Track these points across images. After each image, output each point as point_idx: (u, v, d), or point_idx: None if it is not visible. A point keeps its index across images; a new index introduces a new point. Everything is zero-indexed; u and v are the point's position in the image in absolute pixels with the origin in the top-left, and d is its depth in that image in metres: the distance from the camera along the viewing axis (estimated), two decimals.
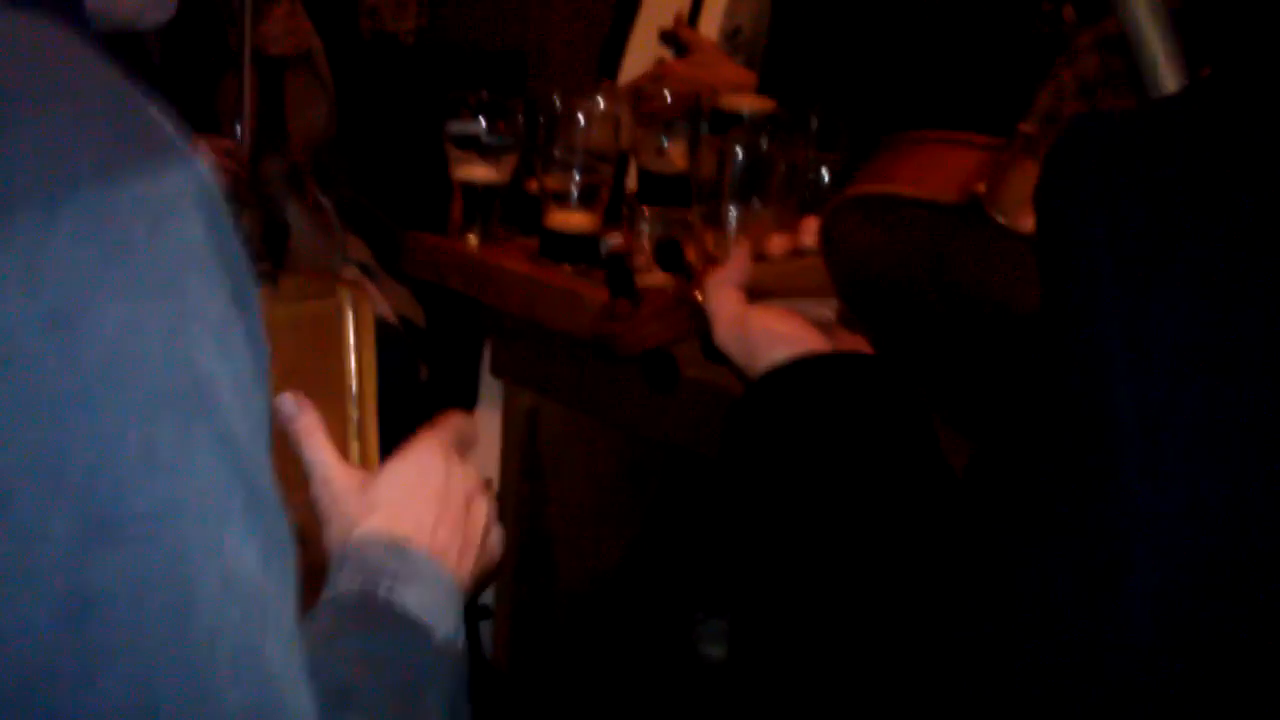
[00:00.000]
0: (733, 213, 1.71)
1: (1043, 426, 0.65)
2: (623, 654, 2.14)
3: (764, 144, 1.69)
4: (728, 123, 1.98)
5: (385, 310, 2.12)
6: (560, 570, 2.05)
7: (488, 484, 0.90)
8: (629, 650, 2.15)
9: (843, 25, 2.35)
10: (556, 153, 1.83)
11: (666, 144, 2.05)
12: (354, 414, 0.96)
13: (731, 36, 2.43)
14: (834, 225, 0.95)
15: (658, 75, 2.34)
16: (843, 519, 0.85)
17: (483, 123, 1.85)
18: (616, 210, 1.92)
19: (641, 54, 2.46)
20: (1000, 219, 0.81)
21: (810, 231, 1.04)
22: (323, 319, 0.94)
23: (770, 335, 0.95)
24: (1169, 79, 0.80)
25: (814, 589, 0.85)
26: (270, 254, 1.93)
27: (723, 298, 0.99)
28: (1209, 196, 0.58)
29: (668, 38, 2.40)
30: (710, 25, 2.43)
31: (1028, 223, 0.78)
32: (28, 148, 0.47)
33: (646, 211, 1.93)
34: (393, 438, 0.85)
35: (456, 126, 1.85)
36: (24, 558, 0.44)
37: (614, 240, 1.82)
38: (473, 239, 1.83)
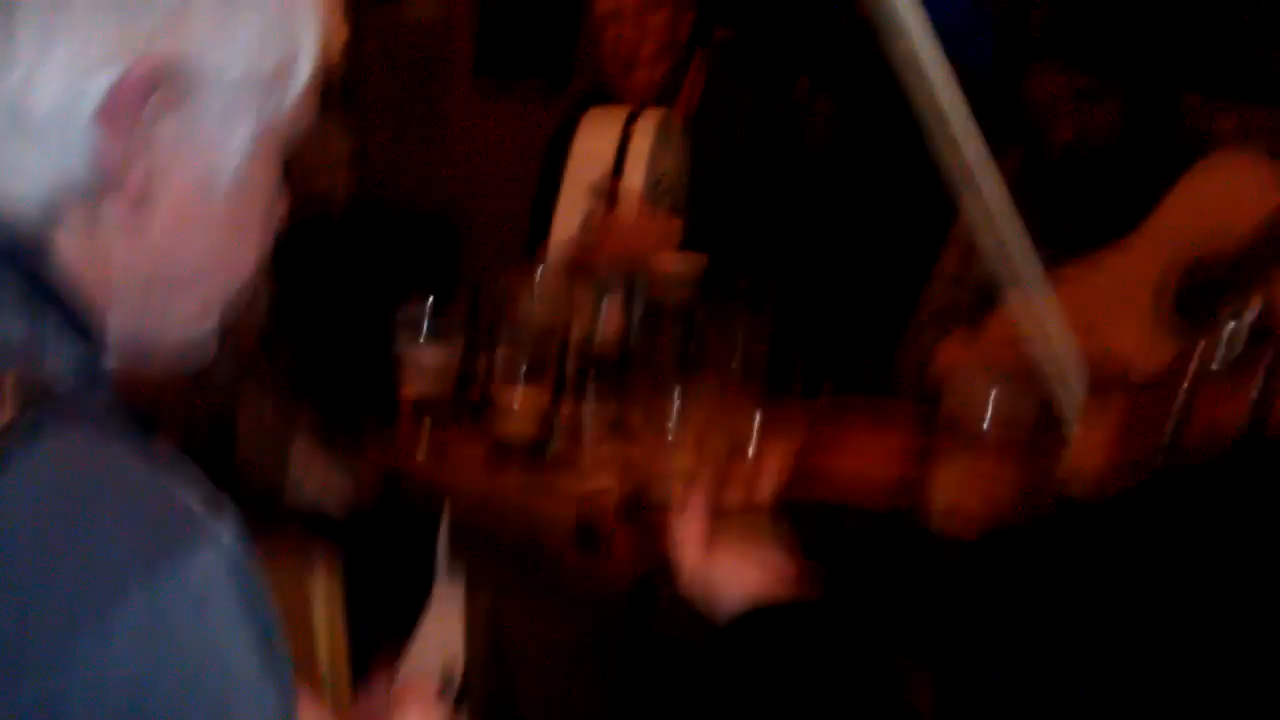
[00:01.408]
0: (676, 396, 1.73)
1: None
2: None
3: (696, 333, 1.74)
4: (662, 288, 2.04)
5: (332, 492, 2.13)
6: None
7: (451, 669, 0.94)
8: None
9: (757, 174, 2.43)
10: (499, 340, 1.87)
11: (602, 319, 2.09)
12: (327, 684, 0.99)
13: (655, 184, 2.48)
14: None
15: (590, 231, 2.40)
16: None
17: (427, 308, 1.89)
18: (561, 388, 1.96)
19: (571, 209, 2.51)
20: (939, 508, 0.85)
21: (762, 480, 1.10)
22: (294, 588, 0.97)
23: (732, 581, 1.00)
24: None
25: None
26: (216, 462, 1.94)
27: (685, 546, 1.04)
28: None
29: (596, 192, 2.45)
30: (635, 177, 2.48)
31: (967, 501, 0.83)
32: (74, 561, 0.54)
33: (590, 391, 1.97)
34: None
35: (402, 313, 1.88)
36: None
37: (559, 443, 1.85)
38: (422, 449, 1.85)
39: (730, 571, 1.01)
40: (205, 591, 0.56)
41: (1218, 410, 0.66)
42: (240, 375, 2.15)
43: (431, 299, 1.87)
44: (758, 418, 1.68)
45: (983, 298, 2.17)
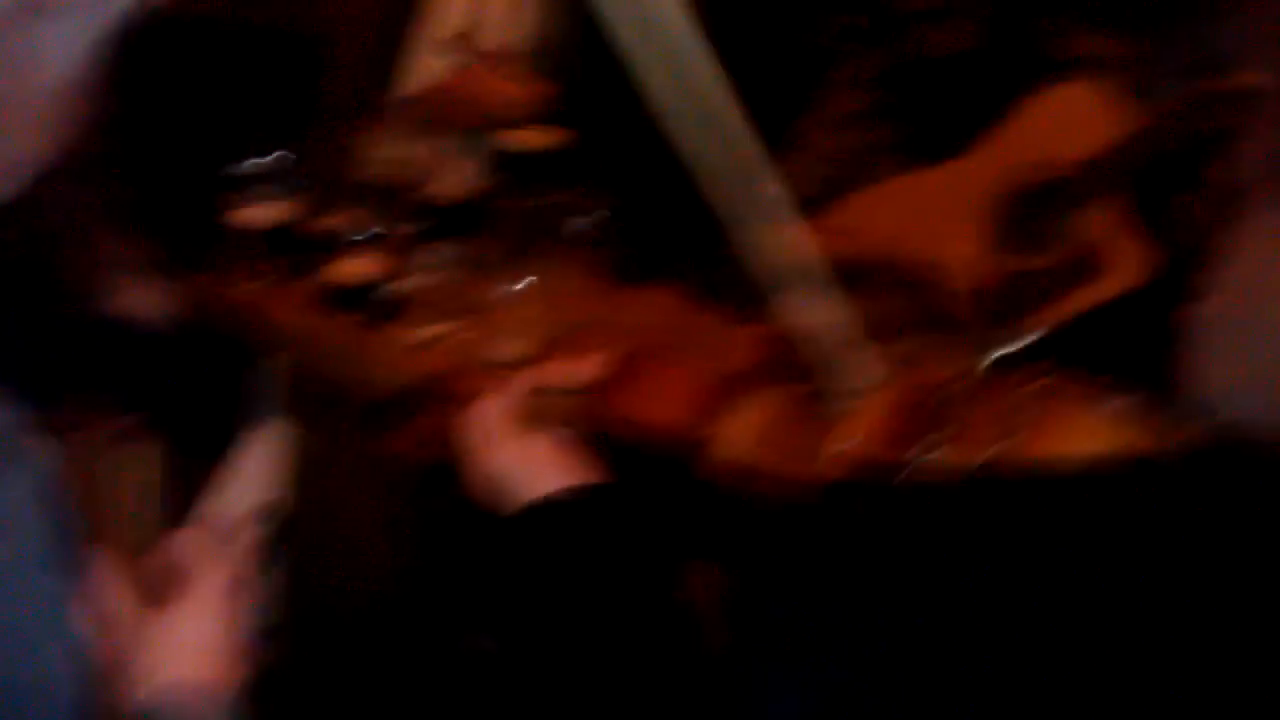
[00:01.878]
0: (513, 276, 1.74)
1: None
2: (399, 652, 2.20)
3: (543, 206, 1.73)
4: (511, 161, 2.01)
5: (156, 316, 2.09)
6: (338, 588, 2.08)
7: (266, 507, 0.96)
8: (405, 648, 2.20)
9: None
10: (339, 194, 1.83)
11: (453, 173, 2.07)
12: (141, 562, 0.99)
13: (527, 42, 2.43)
14: None
15: (441, 87, 2.34)
16: (588, 644, 0.93)
17: (262, 161, 1.84)
18: (402, 245, 1.93)
19: (424, 60, 2.45)
20: (731, 455, 0.88)
21: (578, 371, 1.12)
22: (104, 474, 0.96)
23: (540, 462, 1.02)
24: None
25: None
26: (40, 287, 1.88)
27: (492, 428, 1.05)
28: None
29: (458, 45, 2.39)
30: (499, 30, 2.42)
31: (755, 457, 0.87)
32: None
33: (431, 249, 1.96)
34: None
35: (235, 166, 1.83)
36: None
37: (399, 288, 1.84)
38: (252, 286, 1.82)
39: (536, 456, 1.02)
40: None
41: (971, 432, 0.70)
42: (72, 202, 2.08)
43: (270, 155, 1.81)
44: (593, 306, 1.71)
45: (821, 194, 2.23)
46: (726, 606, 0.92)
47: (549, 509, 1.00)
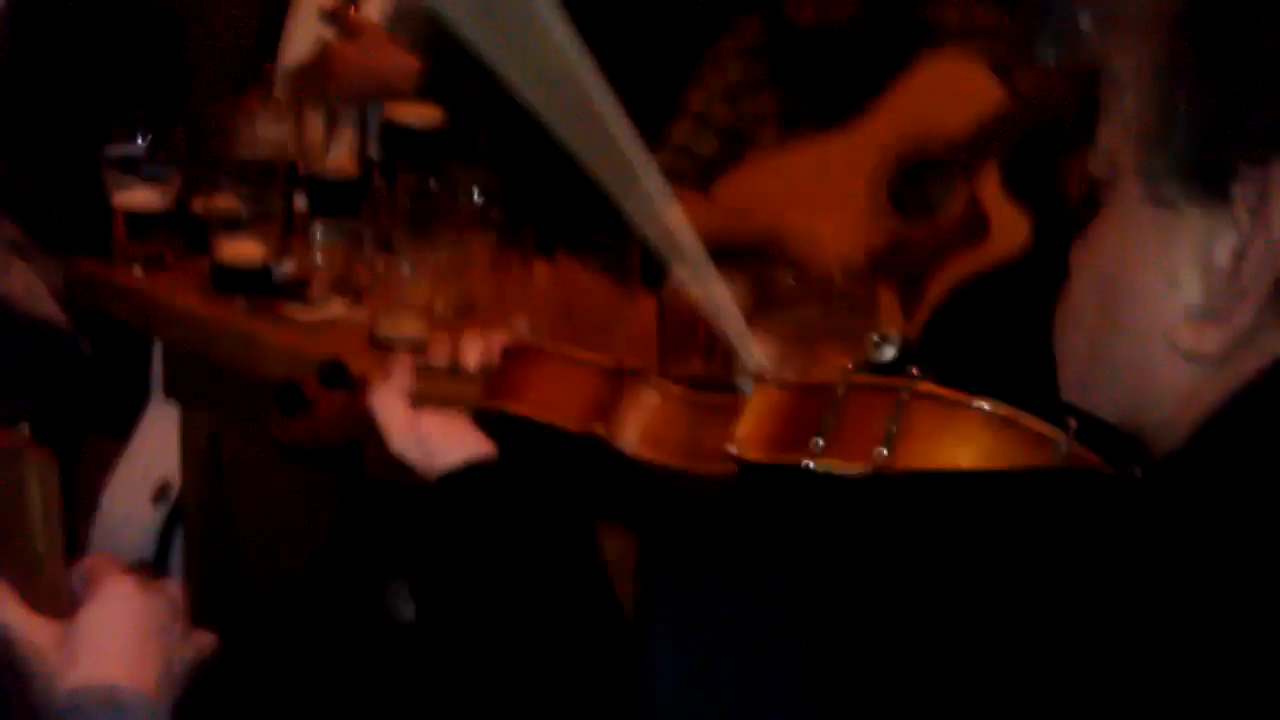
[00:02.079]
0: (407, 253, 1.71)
1: None
2: (318, 625, 2.19)
3: (432, 184, 1.72)
4: (399, 138, 1.99)
5: (41, 295, 2.03)
6: (249, 575, 2.06)
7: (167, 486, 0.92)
8: (323, 620, 2.19)
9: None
10: (222, 174, 1.79)
11: (333, 150, 2.03)
12: (46, 575, 0.97)
13: (396, 15, 2.39)
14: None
15: (321, 60, 2.29)
16: (507, 609, 0.94)
17: (141, 143, 1.78)
18: (289, 224, 1.90)
19: (302, 31, 2.40)
20: (625, 450, 0.89)
21: (470, 351, 1.10)
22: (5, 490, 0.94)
23: (445, 438, 1.00)
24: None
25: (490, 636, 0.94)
26: None
27: (391, 406, 1.02)
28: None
29: (330, 18, 2.33)
30: (374, 5, 2.38)
31: (648, 452, 0.88)
32: None
33: (319, 227, 1.93)
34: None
35: (114, 149, 1.78)
36: None
37: (288, 268, 1.81)
38: (138, 269, 1.78)
39: (441, 431, 1.00)
40: None
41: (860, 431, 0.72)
42: None
43: (147, 137, 1.76)
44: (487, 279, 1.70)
45: (708, 166, 2.24)
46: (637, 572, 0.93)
47: (456, 480, 0.99)
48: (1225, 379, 0.63)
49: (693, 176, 2.24)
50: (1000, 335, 1.97)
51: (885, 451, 0.69)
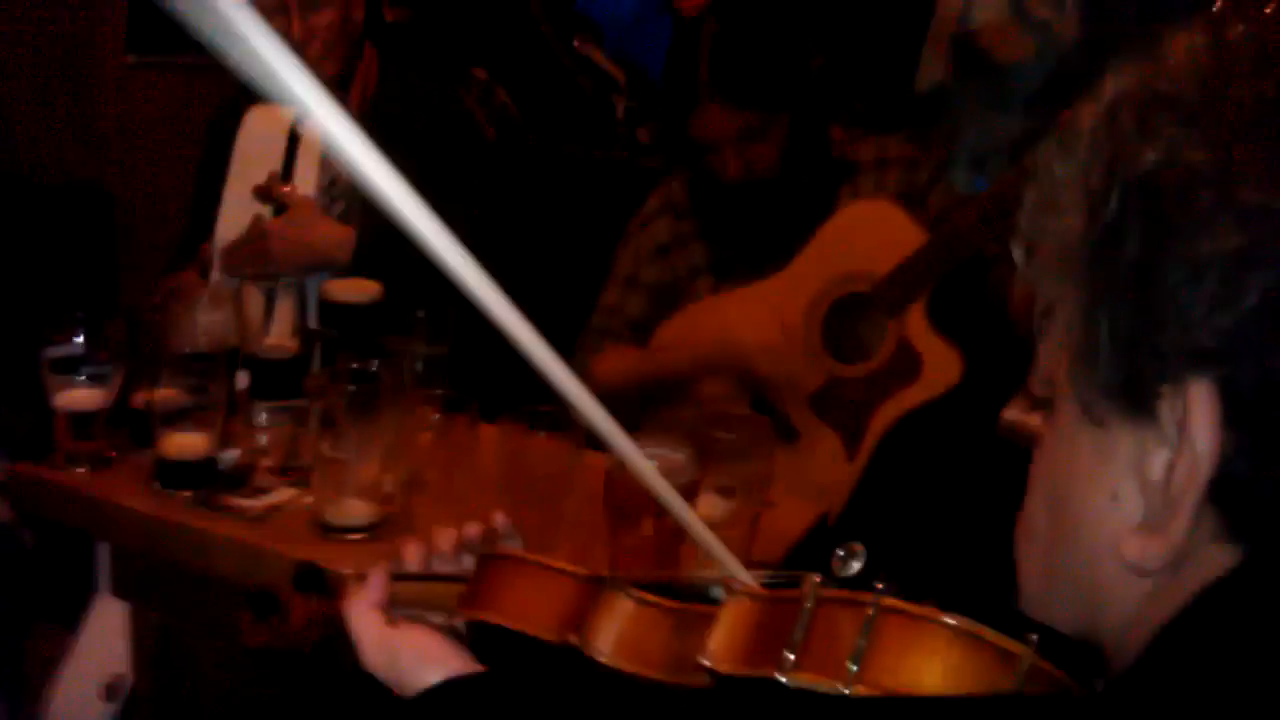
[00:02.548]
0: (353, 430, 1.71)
1: None
2: None
3: (375, 365, 1.74)
4: (338, 314, 2.00)
5: None
6: None
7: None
8: None
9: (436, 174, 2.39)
10: (163, 366, 1.80)
11: (274, 329, 2.05)
12: None
13: (328, 187, 2.42)
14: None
15: (255, 237, 2.31)
16: None
17: (81, 341, 1.79)
18: (232, 409, 1.91)
19: (236, 208, 2.41)
20: (601, 660, 0.89)
21: (443, 540, 1.11)
22: None
23: (419, 656, 1.00)
24: None
25: None
26: None
27: (365, 622, 1.03)
28: None
29: (262, 195, 2.36)
30: (306, 179, 2.40)
31: (623, 663, 0.89)
32: None
33: (262, 410, 1.93)
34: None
35: (53, 350, 1.78)
36: None
37: (233, 456, 1.81)
38: (82, 469, 1.77)
39: (414, 650, 1.00)
40: None
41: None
42: None
43: (82, 335, 1.76)
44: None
45: (641, 325, 2.28)
46: None
47: (433, 699, 0.99)
48: (1174, 592, 0.64)
49: (626, 336, 2.28)
50: (943, 471, 2.00)
51: (854, 668, 0.71)
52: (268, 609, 1.13)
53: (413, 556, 1.12)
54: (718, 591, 0.87)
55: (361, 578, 1.06)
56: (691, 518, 0.86)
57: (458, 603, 1.02)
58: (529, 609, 0.96)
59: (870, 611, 0.72)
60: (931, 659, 0.70)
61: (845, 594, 0.75)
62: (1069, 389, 0.67)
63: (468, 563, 1.11)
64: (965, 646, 0.70)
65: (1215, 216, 0.60)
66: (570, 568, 0.96)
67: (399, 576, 1.09)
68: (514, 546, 1.14)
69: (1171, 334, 0.62)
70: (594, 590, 0.93)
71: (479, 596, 1.01)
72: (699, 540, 0.87)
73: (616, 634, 0.90)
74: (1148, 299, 0.62)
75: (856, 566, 0.78)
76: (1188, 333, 0.61)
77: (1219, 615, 0.63)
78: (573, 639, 0.91)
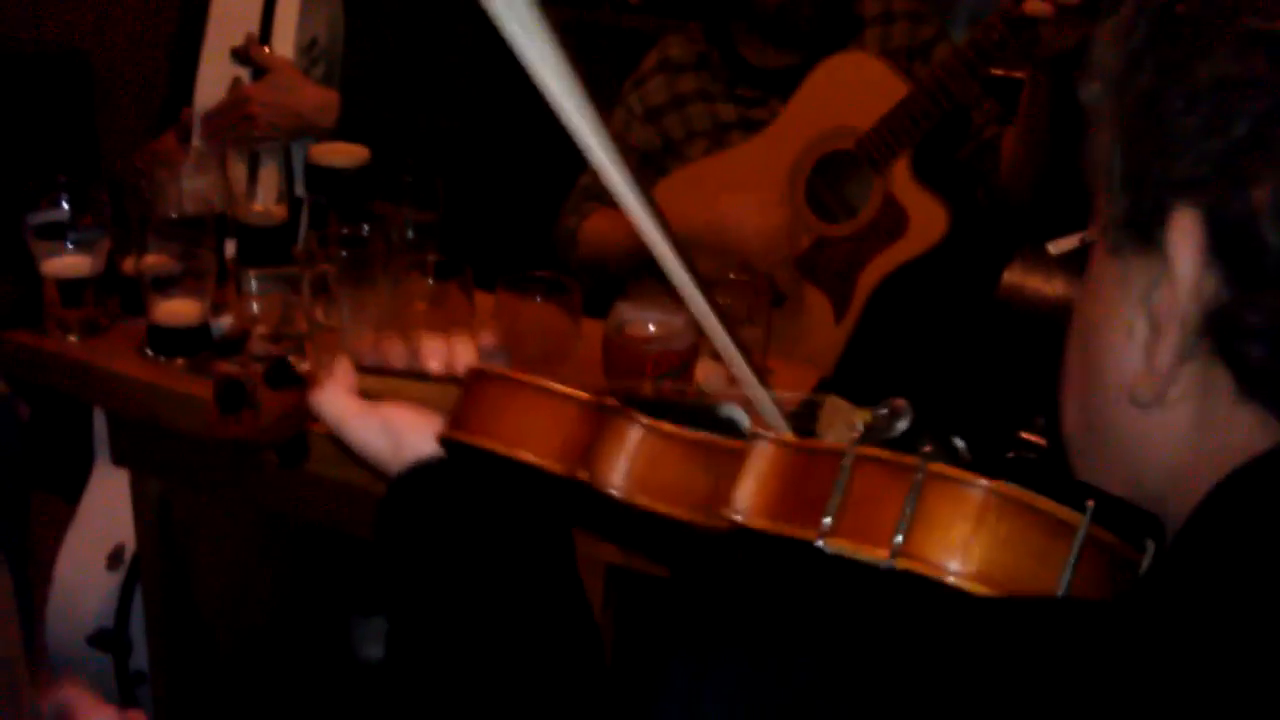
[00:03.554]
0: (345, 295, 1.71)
1: None
2: (284, 669, 2.19)
3: (365, 229, 1.73)
4: (325, 179, 1.98)
5: None
6: (211, 633, 2.06)
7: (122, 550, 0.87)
8: (291, 663, 2.20)
9: (412, 42, 2.34)
10: (150, 232, 1.79)
11: (260, 195, 2.02)
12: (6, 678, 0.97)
13: (308, 49, 2.37)
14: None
15: (236, 101, 2.28)
16: (477, 602, 0.90)
17: (65, 208, 1.77)
18: (223, 276, 1.90)
19: (215, 72, 2.38)
20: (615, 495, 0.83)
21: (432, 355, 1.05)
22: None
23: (412, 425, 0.97)
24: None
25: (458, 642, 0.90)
26: None
27: (342, 404, 1.00)
28: None
29: (240, 57, 2.32)
30: (284, 40, 2.36)
31: (641, 498, 0.83)
32: None
33: (253, 277, 1.92)
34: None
35: (38, 217, 1.77)
36: None
37: (226, 323, 1.81)
38: (73, 337, 1.77)
39: (409, 420, 0.97)
40: None
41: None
42: None
43: (66, 201, 1.74)
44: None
45: (642, 170, 2.26)
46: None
47: (434, 469, 0.95)
48: (1214, 463, 0.63)
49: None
50: (932, 329, 2.02)
51: (901, 540, 0.67)
52: (237, 402, 1.09)
53: (397, 358, 1.06)
54: (731, 412, 0.82)
55: (329, 369, 1.02)
56: (735, 354, 0.82)
57: (446, 426, 0.93)
58: (529, 435, 0.87)
59: (918, 478, 0.67)
60: (981, 530, 0.65)
61: (887, 455, 0.70)
62: (1099, 223, 0.68)
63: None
64: (1017, 517, 0.66)
65: (1216, 43, 0.61)
66: (573, 391, 0.87)
67: (366, 369, 1.04)
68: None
69: (1168, 161, 0.62)
70: (602, 416, 0.85)
71: (471, 418, 0.90)
72: (738, 374, 0.83)
73: (631, 465, 0.82)
74: (1151, 126, 0.63)
75: (904, 426, 0.74)
76: (1179, 159, 0.62)
77: (1257, 491, 0.62)
78: (581, 473, 0.84)
